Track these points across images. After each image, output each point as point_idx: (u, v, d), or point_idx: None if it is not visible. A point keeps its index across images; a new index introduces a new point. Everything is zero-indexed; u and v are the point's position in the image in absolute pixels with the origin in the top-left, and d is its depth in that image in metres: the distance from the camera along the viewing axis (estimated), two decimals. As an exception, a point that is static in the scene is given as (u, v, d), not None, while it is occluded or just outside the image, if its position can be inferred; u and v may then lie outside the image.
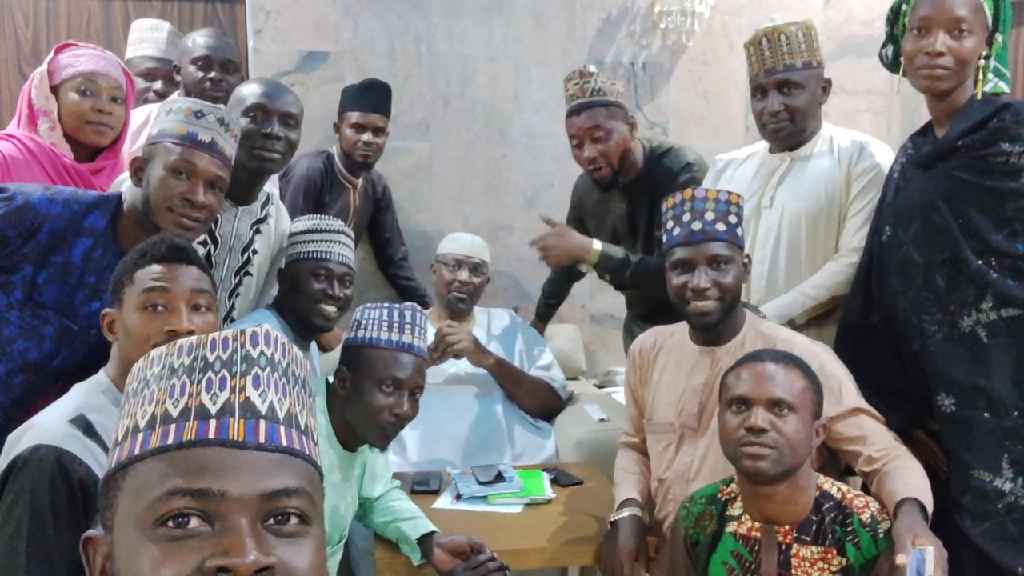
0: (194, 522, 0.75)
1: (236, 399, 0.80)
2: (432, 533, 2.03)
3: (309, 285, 2.24)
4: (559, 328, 3.49)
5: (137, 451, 0.79)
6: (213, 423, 0.78)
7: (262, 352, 0.83)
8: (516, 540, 2.15)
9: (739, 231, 2.01)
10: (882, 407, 1.98)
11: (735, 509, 1.82)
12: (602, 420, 2.94)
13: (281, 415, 0.82)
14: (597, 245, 2.64)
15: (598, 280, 2.96)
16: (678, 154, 2.72)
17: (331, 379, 1.98)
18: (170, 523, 0.75)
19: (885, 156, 2.34)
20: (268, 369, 0.83)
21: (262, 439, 0.79)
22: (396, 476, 2.55)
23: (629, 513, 2.06)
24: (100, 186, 2.21)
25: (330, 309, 2.22)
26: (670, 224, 2.03)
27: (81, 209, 1.82)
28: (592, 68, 2.65)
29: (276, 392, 0.82)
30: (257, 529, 0.76)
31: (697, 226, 1.98)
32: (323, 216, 2.43)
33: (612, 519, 2.08)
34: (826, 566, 1.70)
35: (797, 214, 2.38)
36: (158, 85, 3.05)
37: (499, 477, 2.43)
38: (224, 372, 0.81)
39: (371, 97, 3.04)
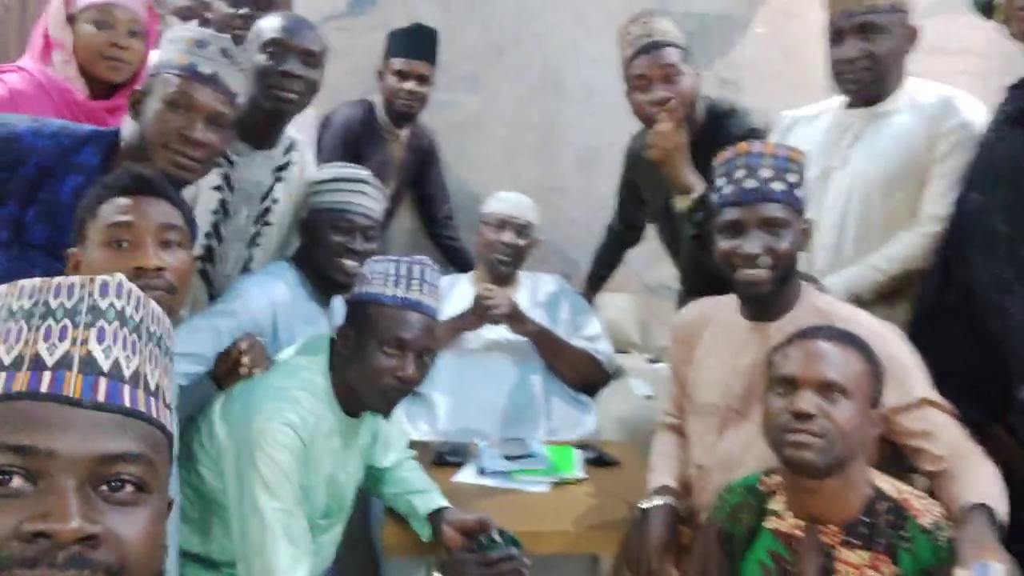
0: (16, 481, 0.69)
1: (76, 352, 0.72)
2: (443, 509, 1.87)
3: (329, 238, 2.08)
4: (611, 298, 3.28)
5: None
6: (47, 375, 0.71)
7: (112, 304, 0.76)
8: (538, 521, 1.99)
9: (799, 192, 1.77)
10: (955, 398, 1.72)
11: (776, 503, 1.61)
12: (648, 397, 2.74)
13: (127, 373, 0.74)
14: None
15: (655, 248, 2.74)
16: (743, 118, 2.44)
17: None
18: None
19: (976, 113, 2.06)
20: (117, 323, 0.75)
21: (101, 397, 0.72)
22: (421, 445, 2.41)
23: (662, 501, 1.87)
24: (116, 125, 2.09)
25: (351, 264, 2.06)
26: (721, 181, 1.81)
27: (71, 143, 1.70)
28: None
29: (124, 348, 0.75)
30: (86, 493, 0.71)
31: (751, 184, 1.75)
32: (347, 164, 2.27)
33: (642, 506, 1.89)
34: (875, 574, 1.48)
35: (872, 177, 2.12)
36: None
37: (527, 452, 2.26)
38: (66, 321, 0.73)
39: (416, 43, 2.87)
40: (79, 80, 2.06)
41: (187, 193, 2.01)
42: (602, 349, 2.85)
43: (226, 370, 1.78)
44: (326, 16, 3.19)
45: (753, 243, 1.74)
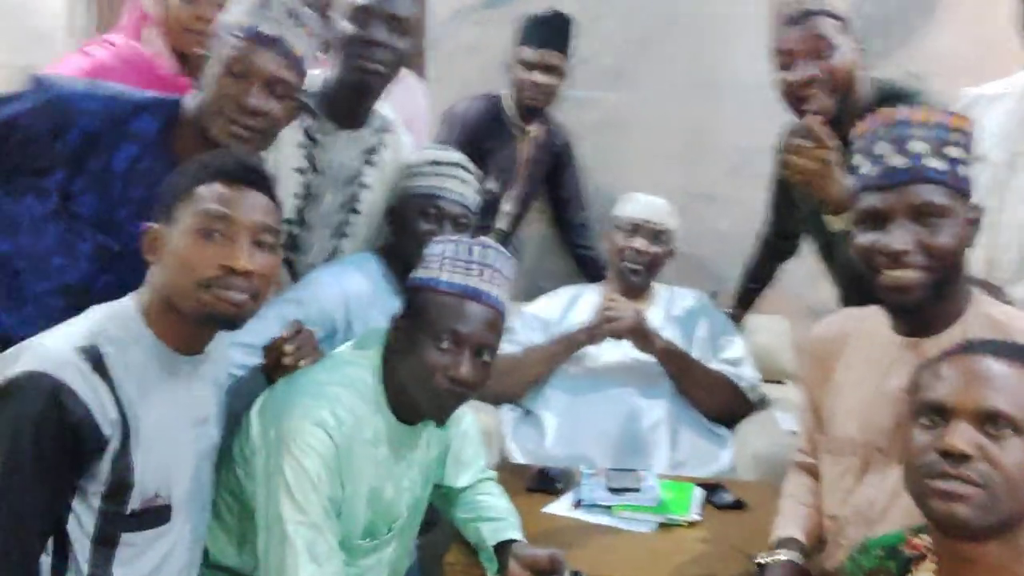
0: None
1: None
2: (513, 541, 1.60)
3: (417, 226, 1.88)
4: (763, 319, 2.88)
5: None
6: None
7: None
8: (631, 566, 1.70)
9: (964, 171, 1.38)
10: None
11: (923, 571, 1.23)
12: (795, 433, 2.34)
13: None
14: None
15: (817, 264, 2.35)
16: (917, 99, 2.03)
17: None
18: None
19: None
20: None
21: None
22: (518, 468, 2.15)
23: (785, 557, 1.53)
24: None
25: None
26: (859, 160, 1.44)
27: (126, 110, 1.58)
28: None
29: None
30: None
31: (898, 162, 1.38)
32: (440, 146, 2.06)
33: (760, 560, 1.56)
34: None
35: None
36: None
37: (635, 486, 1.94)
38: None
39: (548, 30, 2.64)
40: (168, 54, 1.97)
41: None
42: (745, 374, 2.49)
43: (273, 362, 1.59)
44: (458, 9, 3.03)
45: (900, 237, 1.36)
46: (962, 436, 1.11)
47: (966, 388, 1.14)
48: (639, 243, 2.54)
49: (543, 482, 2.02)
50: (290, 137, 1.88)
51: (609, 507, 1.89)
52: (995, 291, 1.60)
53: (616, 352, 2.44)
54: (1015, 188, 1.75)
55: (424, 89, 2.62)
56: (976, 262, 1.79)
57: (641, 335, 2.37)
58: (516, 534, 1.63)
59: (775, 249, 2.64)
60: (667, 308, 2.61)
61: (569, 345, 2.45)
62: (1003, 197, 1.75)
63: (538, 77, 2.63)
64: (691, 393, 2.41)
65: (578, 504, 1.92)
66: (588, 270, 2.94)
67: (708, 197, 3.09)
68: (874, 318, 1.56)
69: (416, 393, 1.47)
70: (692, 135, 3.08)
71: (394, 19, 1.83)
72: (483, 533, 1.64)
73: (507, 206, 2.80)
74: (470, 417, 1.76)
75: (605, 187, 3.08)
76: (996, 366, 1.15)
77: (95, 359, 1.26)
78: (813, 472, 1.67)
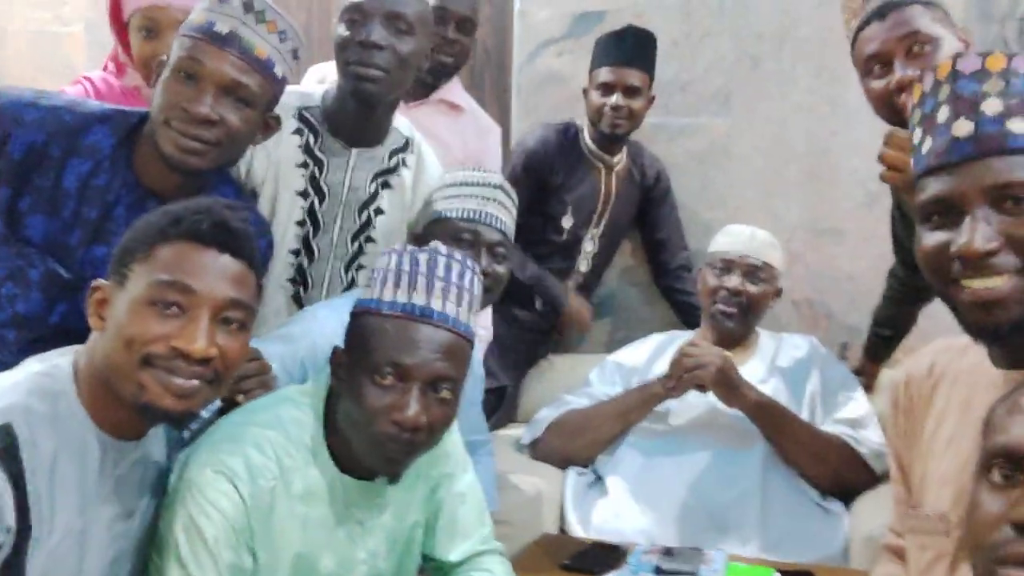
0: None
1: None
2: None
3: None
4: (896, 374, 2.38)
5: None
6: None
7: None
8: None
9: None
10: None
11: None
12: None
13: None
14: None
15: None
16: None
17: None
18: None
19: None
20: None
21: None
22: (565, 541, 1.81)
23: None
24: None
25: None
26: (918, 134, 1.06)
27: (78, 122, 1.44)
28: None
29: None
30: None
31: (964, 129, 0.98)
32: (477, 167, 1.80)
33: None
34: None
35: None
36: None
37: (690, 569, 1.55)
38: None
39: (624, 48, 2.37)
40: (148, 89, 1.86)
41: (264, 199, 1.72)
42: (868, 439, 2.02)
43: (228, 402, 1.37)
44: (544, 41, 2.80)
45: (981, 232, 0.96)
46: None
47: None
48: (733, 282, 2.16)
49: (583, 559, 1.67)
50: (290, 156, 1.70)
51: (651, 594, 1.52)
52: None
53: (700, 407, 2.06)
54: None
55: (498, 131, 2.39)
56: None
57: (727, 384, 1.98)
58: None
59: (910, 287, 2.17)
60: (772, 358, 2.20)
61: (645, 398, 2.09)
62: None
63: (616, 99, 2.35)
64: (793, 458, 1.99)
65: (616, 588, 1.56)
66: (688, 318, 2.57)
67: (836, 233, 2.65)
68: (968, 352, 1.14)
69: (356, 441, 1.20)
70: (815, 163, 2.66)
71: (394, 17, 1.61)
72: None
73: (588, 245, 2.51)
74: (469, 476, 1.46)
75: (715, 224, 2.70)
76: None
77: (5, 444, 1.02)
78: (904, 556, 1.24)
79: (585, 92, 2.44)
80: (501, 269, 1.66)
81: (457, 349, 1.20)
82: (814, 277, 2.63)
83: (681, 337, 2.28)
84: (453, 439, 1.39)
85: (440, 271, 1.20)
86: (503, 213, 1.66)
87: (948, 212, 1.01)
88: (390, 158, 1.78)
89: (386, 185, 1.78)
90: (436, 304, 1.18)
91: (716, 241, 2.25)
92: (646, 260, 2.73)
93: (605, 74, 2.36)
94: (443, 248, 1.25)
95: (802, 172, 2.67)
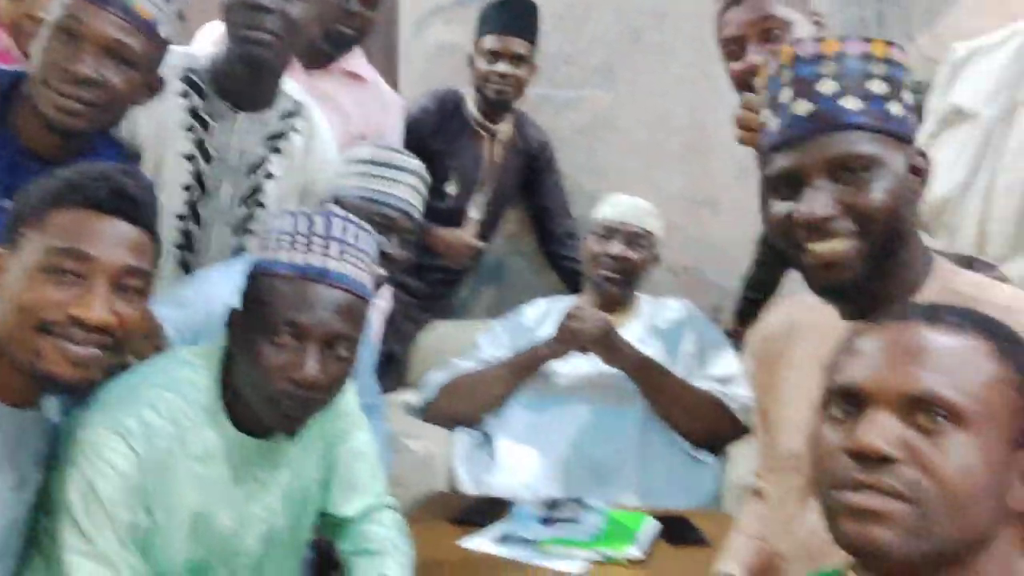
0: None
1: None
2: (389, 580, 1.32)
3: None
4: (768, 335, 2.54)
5: None
6: None
7: None
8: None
9: (897, 109, 1.06)
10: None
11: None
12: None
13: None
14: None
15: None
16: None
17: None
18: None
19: None
20: None
21: None
22: (455, 497, 1.87)
23: (717, 600, 1.22)
24: None
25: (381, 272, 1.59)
26: (765, 114, 1.15)
27: None
28: None
29: None
30: None
31: (804, 108, 1.08)
32: (389, 145, 1.81)
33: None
34: None
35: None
36: None
37: (571, 516, 1.65)
38: None
39: (510, 16, 2.42)
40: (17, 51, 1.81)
41: (149, 162, 1.70)
42: (736, 394, 2.15)
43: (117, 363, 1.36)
44: (431, 9, 2.82)
45: (820, 200, 1.06)
46: (880, 430, 0.81)
47: (888, 366, 0.84)
48: (615, 248, 2.26)
49: (471, 513, 1.74)
50: (176, 119, 1.68)
51: (537, 542, 1.60)
52: (986, 269, 1.28)
53: (583, 367, 2.15)
54: (1012, 147, 1.41)
55: (400, 104, 2.40)
56: (966, 237, 1.47)
57: (608, 346, 2.08)
58: (393, 573, 1.35)
59: (775, 253, 2.31)
60: (650, 320, 2.31)
61: (531, 361, 2.17)
62: (996, 158, 1.42)
63: (503, 67, 2.40)
64: (668, 413, 2.11)
65: (504, 539, 1.63)
66: (573, 284, 2.66)
67: (711, 203, 2.79)
68: (821, 305, 1.25)
69: (254, 400, 1.23)
70: (693, 135, 2.79)
71: None
72: (357, 570, 1.36)
73: (473, 213, 2.55)
74: (364, 434, 1.50)
75: (597, 194, 2.80)
76: (932, 336, 0.84)
77: None
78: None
79: (471, 60, 2.48)
80: (407, 254, 1.70)
81: (353, 308, 1.23)
82: (691, 245, 2.76)
83: (565, 301, 2.36)
84: (349, 398, 1.42)
85: (336, 232, 1.23)
86: (411, 194, 1.68)
87: (792, 184, 1.10)
88: (280, 122, 1.78)
89: (276, 150, 1.78)
90: (332, 265, 1.21)
91: (600, 210, 2.34)
92: (532, 229, 2.80)
93: (491, 42, 2.41)
94: (339, 210, 1.28)
95: (682, 145, 2.79)
